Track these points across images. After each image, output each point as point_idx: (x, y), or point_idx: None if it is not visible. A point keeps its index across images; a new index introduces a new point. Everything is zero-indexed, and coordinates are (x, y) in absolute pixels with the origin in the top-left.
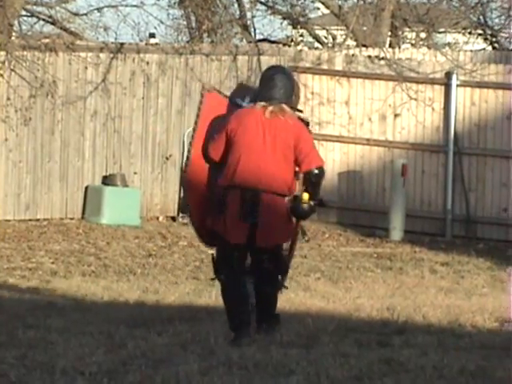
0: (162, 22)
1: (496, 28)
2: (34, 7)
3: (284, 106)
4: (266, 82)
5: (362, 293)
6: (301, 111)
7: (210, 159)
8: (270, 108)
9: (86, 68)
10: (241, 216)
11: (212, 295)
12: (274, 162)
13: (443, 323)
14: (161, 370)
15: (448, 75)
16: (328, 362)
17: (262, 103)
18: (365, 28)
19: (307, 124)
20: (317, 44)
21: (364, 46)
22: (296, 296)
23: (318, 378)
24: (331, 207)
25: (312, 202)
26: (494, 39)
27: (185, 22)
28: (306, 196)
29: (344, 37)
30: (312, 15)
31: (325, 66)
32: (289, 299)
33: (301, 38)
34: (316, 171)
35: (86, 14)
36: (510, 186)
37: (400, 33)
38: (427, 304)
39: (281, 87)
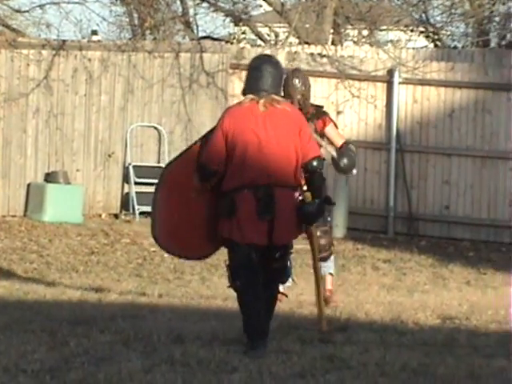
0: (104, 19)
1: (438, 26)
2: None
3: (274, 96)
4: (252, 72)
5: (304, 290)
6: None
7: (212, 171)
8: (262, 101)
9: (28, 65)
10: (258, 214)
11: (155, 292)
12: (282, 154)
13: (385, 320)
14: (103, 368)
15: (390, 73)
16: (271, 359)
17: (251, 96)
18: (307, 25)
19: (325, 113)
20: (259, 41)
21: (306, 43)
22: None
23: (260, 375)
24: None
25: (317, 201)
26: (436, 37)
27: (127, 19)
28: (308, 195)
29: (286, 34)
30: (254, 12)
31: None
32: (231, 296)
33: (243, 36)
34: (314, 163)
35: (28, 11)
36: (451, 183)
37: (342, 30)
38: (369, 301)
39: (268, 77)
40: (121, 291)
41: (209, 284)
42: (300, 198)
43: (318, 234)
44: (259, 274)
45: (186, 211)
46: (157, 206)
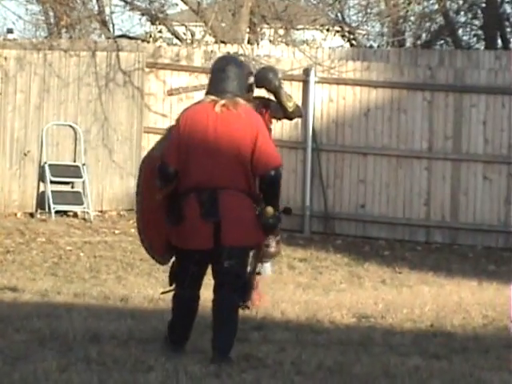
0: (20, 18)
1: (354, 25)
2: None
3: (237, 98)
4: (216, 73)
5: None
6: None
7: (170, 173)
8: (222, 101)
9: None
10: (202, 217)
11: (70, 292)
12: (230, 158)
13: (301, 319)
14: (18, 367)
15: (306, 72)
16: (187, 359)
17: (212, 97)
18: (223, 24)
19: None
20: (176, 40)
21: (223, 42)
22: (155, 292)
23: (176, 375)
24: None
25: (277, 214)
26: (351, 36)
27: (43, 18)
28: (270, 210)
29: (203, 33)
30: (171, 11)
31: (184, 63)
32: (147, 295)
33: (160, 35)
34: (272, 172)
35: None
36: (367, 182)
37: (258, 29)
38: (285, 300)
39: (233, 79)
40: (36, 290)
41: (125, 283)
42: (258, 208)
43: (272, 242)
44: (197, 284)
45: (153, 214)
46: (140, 200)
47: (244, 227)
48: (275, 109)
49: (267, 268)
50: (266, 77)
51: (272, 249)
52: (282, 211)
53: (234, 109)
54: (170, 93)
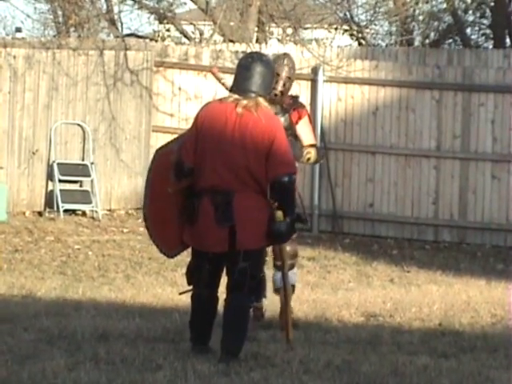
0: (28, 16)
1: (362, 24)
2: None
3: (260, 99)
4: (241, 71)
5: None
6: (297, 97)
7: (186, 169)
8: (244, 102)
9: None
10: (217, 223)
11: (79, 290)
12: (245, 162)
13: (310, 318)
14: (27, 366)
15: (314, 71)
16: (195, 357)
17: (236, 96)
18: (232, 23)
19: (302, 105)
20: (184, 39)
21: (231, 41)
22: (163, 291)
23: (185, 373)
24: None
25: (288, 219)
26: (359, 35)
27: (52, 16)
28: (279, 214)
29: (211, 32)
30: (179, 10)
31: (192, 62)
32: (156, 294)
33: (168, 33)
34: (285, 179)
35: None
36: (375, 181)
37: (267, 28)
38: (294, 299)
39: (258, 78)
40: (45, 289)
41: (133, 282)
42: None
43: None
44: (213, 283)
45: (161, 206)
46: (148, 186)
47: (259, 230)
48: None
49: (293, 276)
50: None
51: (286, 247)
52: (295, 218)
53: (255, 111)
54: (213, 71)
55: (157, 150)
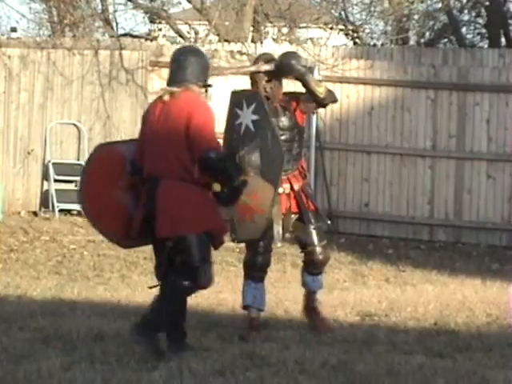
0: (23, 16)
1: (357, 23)
2: None
3: (190, 86)
4: (173, 65)
5: (224, 287)
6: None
7: (135, 163)
8: (169, 89)
9: None
10: (143, 206)
11: (74, 290)
12: (169, 147)
13: (305, 318)
14: (23, 366)
15: (310, 70)
16: (191, 357)
17: (167, 87)
18: (227, 23)
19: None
20: (179, 39)
21: (226, 40)
22: (158, 291)
23: (180, 373)
24: None
25: (226, 190)
26: (355, 35)
27: (46, 16)
28: (216, 186)
29: (206, 32)
30: (174, 10)
31: None
32: (151, 294)
33: (162, 33)
34: (210, 155)
35: None
36: (370, 180)
37: (262, 28)
38: (289, 298)
39: (188, 68)
40: (40, 289)
41: (128, 282)
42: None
43: (318, 249)
44: (164, 271)
45: (101, 195)
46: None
47: (182, 216)
48: (306, 99)
49: (318, 282)
50: (288, 63)
51: (320, 256)
52: (235, 187)
53: (179, 97)
54: (217, 74)
55: (101, 145)
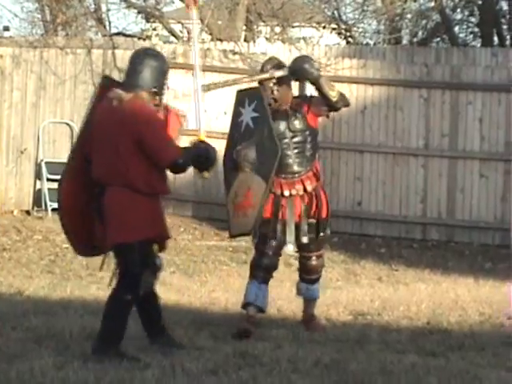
0: (16, 15)
1: (350, 23)
2: None
3: (142, 93)
4: (128, 67)
5: (217, 286)
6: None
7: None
8: (118, 94)
9: None
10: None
11: (67, 289)
12: (114, 155)
13: (298, 317)
14: (15, 365)
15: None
16: (183, 356)
17: (118, 91)
18: (220, 22)
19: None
20: (172, 38)
21: (219, 40)
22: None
23: (173, 372)
24: (186, 201)
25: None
26: (347, 34)
27: (39, 15)
28: (206, 174)
29: (199, 31)
30: (167, 9)
31: (180, 60)
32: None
33: (155, 32)
34: (179, 161)
35: None
36: (363, 180)
37: (255, 27)
38: (282, 297)
39: (140, 72)
40: (33, 288)
41: None
42: None
43: (313, 257)
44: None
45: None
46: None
47: (123, 224)
48: (318, 102)
49: (312, 291)
50: (302, 67)
51: (313, 262)
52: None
53: (126, 104)
54: (203, 89)
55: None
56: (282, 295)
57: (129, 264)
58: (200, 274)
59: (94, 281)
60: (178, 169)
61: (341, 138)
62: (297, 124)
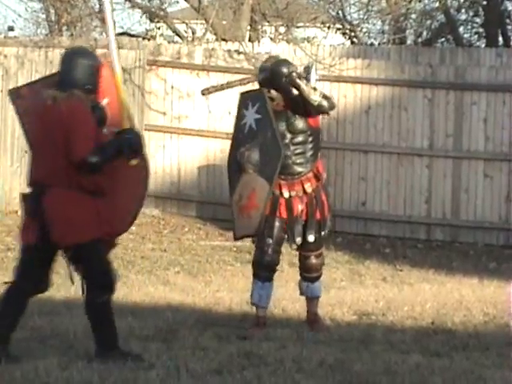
0: (20, 15)
1: (355, 23)
2: None
3: (75, 91)
4: (60, 66)
5: (221, 286)
6: None
7: None
8: (51, 94)
9: None
10: (27, 214)
11: (71, 289)
12: (51, 155)
13: (302, 317)
14: (20, 365)
15: (306, 69)
16: (188, 356)
17: (51, 91)
18: (224, 22)
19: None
20: (176, 38)
21: (223, 40)
22: (155, 290)
23: (177, 372)
24: (191, 201)
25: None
26: (352, 34)
27: (44, 15)
28: (132, 162)
29: (203, 31)
30: (172, 9)
31: (184, 60)
32: (148, 293)
33: (160, 32)
34: (92, 159)
35: None
36: (367, 180)
37: (259, 27)
38: (286, 297)
39: (72, 71)
40: None
41: (125, 281)
42: None
43: (312, 256)
44: (31, 277)
45: None
46: None
47: (72, 225)
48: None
49: (313, 289)
50: (279, 72)
51: (313, 261)
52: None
53: (60, 104)
54: (203, 93)
55: None
56: (287, 295)
57: (89, 265)
58: (204, 274)
59: None
60: (90, 167)
61: (345, 138)
62: (297, 124)
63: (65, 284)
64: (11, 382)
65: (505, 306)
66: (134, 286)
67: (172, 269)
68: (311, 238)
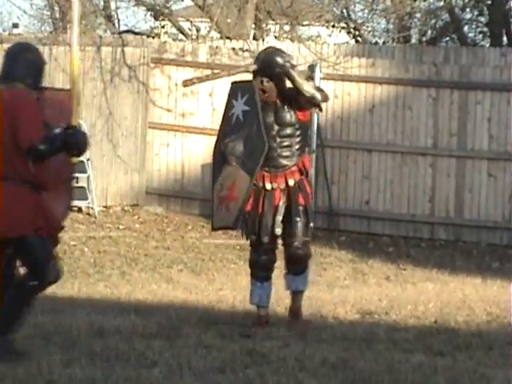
0: (25, 12)
1: (359, 21)
2: None
3: (17, 84)
4: (3, 61)
5: (224, 284)
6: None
7: None
8: None
9: None
10: None
11: (74, 287)
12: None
13: (305, 315)
14: (23, 362)
15: (311, 68)
16: (190, 354)
17: None
18: (229, 20)
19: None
20: (181, 36)
21: (228, 38)
22: (159, 288)
23: (180, 370)
24: (194, 199)
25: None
26: (357, 33)
27: (48, 12)
28: (73, 159)
29: (208, 29)
30: (176, 7)
31: (189, 58)
32: (151, 291)
33: (164, 30)
34: (40, 147)
35: None
36: (371, 178)
37: (264, 25)
38: (289, 296)
39: (15, 65)
40: None
41: (129, 278)
42: None
43: (296, 244)
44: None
45: None
46: None
47: (15, 217)
48: (299, 96)
49: (297, 282)
50: (273, 61)
51: (299, 251)
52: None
53: (3, 97)
54: (185, 84)
55: None
56: (289, 293)
57: (32, 256)
58: (208, 272)
59: (101, 278)
60: (38, 154)
61: (349, 137)
62: (285, 117)
63: (68, 281)
64: (14, 378)
65: (508, 306)
66: (138, 284)
67: (175, 267)
68: (297, 219)
